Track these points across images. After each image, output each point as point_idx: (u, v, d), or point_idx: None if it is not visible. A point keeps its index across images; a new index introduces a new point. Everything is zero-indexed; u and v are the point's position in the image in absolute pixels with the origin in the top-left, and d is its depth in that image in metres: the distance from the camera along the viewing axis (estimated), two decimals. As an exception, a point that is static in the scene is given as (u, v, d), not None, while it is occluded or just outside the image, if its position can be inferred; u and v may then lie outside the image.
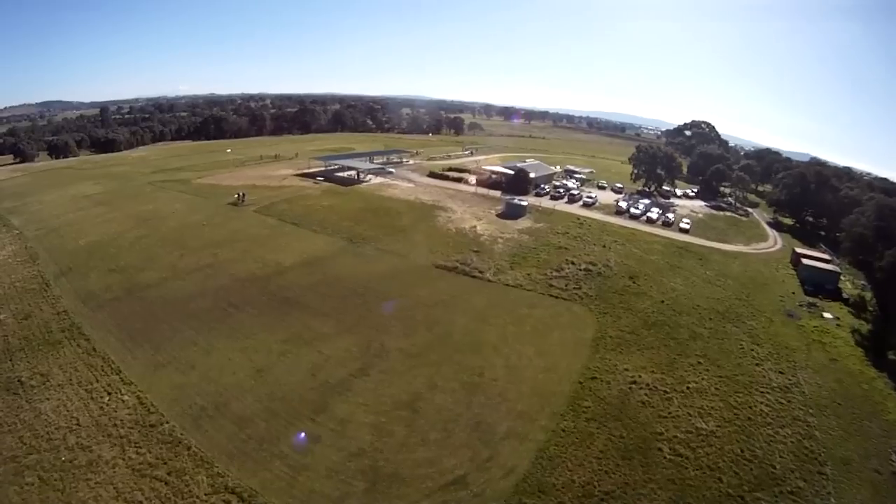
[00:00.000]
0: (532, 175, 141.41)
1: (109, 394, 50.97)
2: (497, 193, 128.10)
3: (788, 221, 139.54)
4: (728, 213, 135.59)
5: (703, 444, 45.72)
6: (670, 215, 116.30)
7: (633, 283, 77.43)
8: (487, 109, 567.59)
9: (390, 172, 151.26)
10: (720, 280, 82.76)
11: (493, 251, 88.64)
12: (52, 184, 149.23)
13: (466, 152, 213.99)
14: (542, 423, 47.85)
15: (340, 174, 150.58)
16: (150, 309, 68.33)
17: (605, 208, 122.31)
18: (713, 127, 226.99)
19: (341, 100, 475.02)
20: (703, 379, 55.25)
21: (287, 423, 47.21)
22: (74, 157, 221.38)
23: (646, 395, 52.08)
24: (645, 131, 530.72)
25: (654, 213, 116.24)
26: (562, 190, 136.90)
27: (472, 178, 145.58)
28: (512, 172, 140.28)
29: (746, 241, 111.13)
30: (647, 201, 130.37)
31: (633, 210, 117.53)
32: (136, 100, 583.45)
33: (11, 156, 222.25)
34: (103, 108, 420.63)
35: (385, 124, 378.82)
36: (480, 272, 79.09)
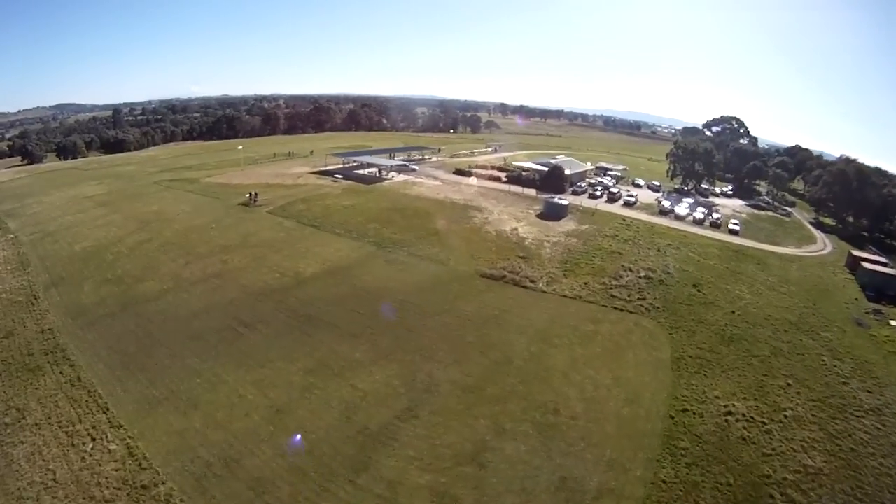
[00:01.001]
0: (567, 172, 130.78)
1: (94, 439, 41.10)
2: (531, 192, 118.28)
3: (829, 221, 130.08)
4: (770, 213, 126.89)
5: (813, 484, 38.59)
6: (717, 215, 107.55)
7: (698, 291, 68.25)
8: (503, 108, 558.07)
9: (413, 170, 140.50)
10: (783, 286, 74.07)
11: (541, 257, 77.37)
12: (54, 184, 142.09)
13: (490, 149, 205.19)
14: (637, 474, 38.33)
15: (360, 171, 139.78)
16: (147, 328, 57.92)
17: (647, 208, 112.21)
18: (742, 123, 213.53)
19: (355, 100, 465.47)
20: (797, 404, 47.58)
21: (319, 487, 36.35)
22: (83, 157, 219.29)
23: (744, 427, 43.88)
24: (659, 129, 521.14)
25: (699, 213, 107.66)
26: (600, 188, 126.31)
27: (503, 175, 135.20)
28: (546, 169, 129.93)
29: (797, 242, 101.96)
30: (690, 200, 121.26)
31: (678, 210, 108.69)
32: (149, 102, 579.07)
33: (20, 157, 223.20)
34: (116, 109, 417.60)
35: (400, 123, 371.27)
36: (532, 281, 68.32)
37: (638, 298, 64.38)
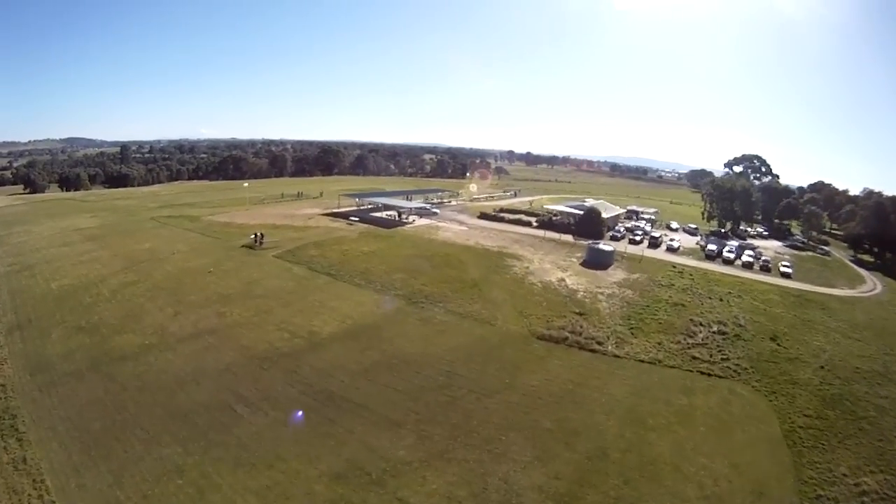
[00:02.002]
0: (604, 216, 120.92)
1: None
2: (567, 237, 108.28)
3: (867, 258, 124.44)
4: (810, 253, 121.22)
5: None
6: (765, 258, 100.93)
7: (778, 345, 59.92)
8: (510, 155, 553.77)
9: (435, 213, 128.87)
10: (856, 333, 66.23)
11: (599, 312, 65.62)
12: (47, 214, 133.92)
13: (509, 193, 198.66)
14: None
15: (377, 214, 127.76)
16: (119, 398, 44.59)
17: (692, 253, 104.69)
18: (764, 161, 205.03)
19: (361, 146, 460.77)
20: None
21: None
22: (86, 190, 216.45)
23: (887, 511, 34.45)
24: (663, 173, 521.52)
25: (747, 256, 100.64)
26: (639, 233, 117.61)
27: (533, 220, 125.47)
28: (581, 213, 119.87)
29: (849, 283, 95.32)
30: (734, 243, 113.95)
31: (725, 254, 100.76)
32: (158, 141, 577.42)
33: (22, 186, 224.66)
34: (124, 146, 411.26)
35: (408, 169, 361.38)
36: (599, 343, 56.49)
37: (721, 358, 55.23)
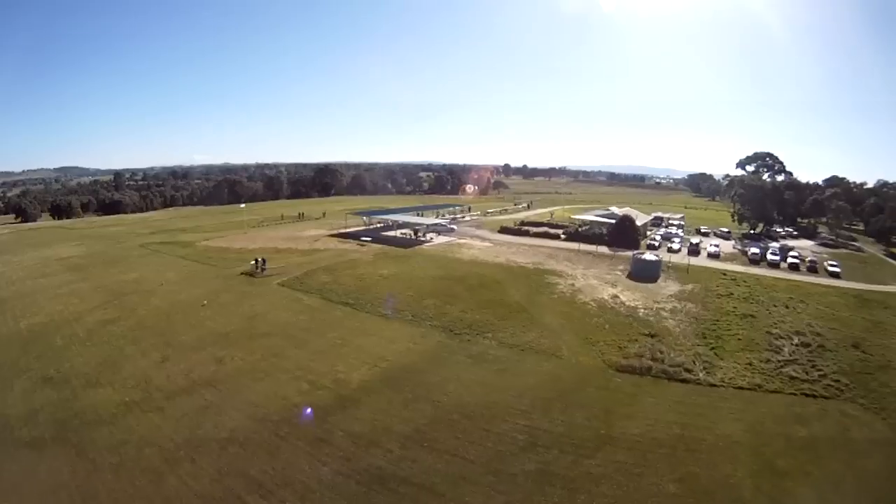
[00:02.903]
0: (638, 224, 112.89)
1: None
2: (601, 248, 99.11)
3: None
4: (844, 251, 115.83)
5: None
6: (811, 258, 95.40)
7: (863, 352, 53.35)
8: (506, 169, 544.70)
9: (452, 230, 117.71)
10: None
11: (671, 332, 56.38)
12: (31, 243, 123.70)
13: (521, 206, 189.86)
14: None
15: (390, 233, 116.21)
16: (88, 482, 32.12)
17: (734, 258, 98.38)
18: (777, 158, 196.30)
19: (356, 166, 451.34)
20: None
21: None
22: (78, 218, 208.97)
23: None
24: (659, 180, 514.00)
25: (792, 258, 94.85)
26: (676, 240, 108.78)
27: (560, 232, 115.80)
28: (613, 222, 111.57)
29: None
30: (776, 245, 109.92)
31: (770, 257, 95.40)
32: (152, 168, 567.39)
33: (14, 215, 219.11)
34: (117, 174, 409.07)
35: (406, 187, 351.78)
36: (687, 370, 47.11)
37: (818, 375, 48.04)
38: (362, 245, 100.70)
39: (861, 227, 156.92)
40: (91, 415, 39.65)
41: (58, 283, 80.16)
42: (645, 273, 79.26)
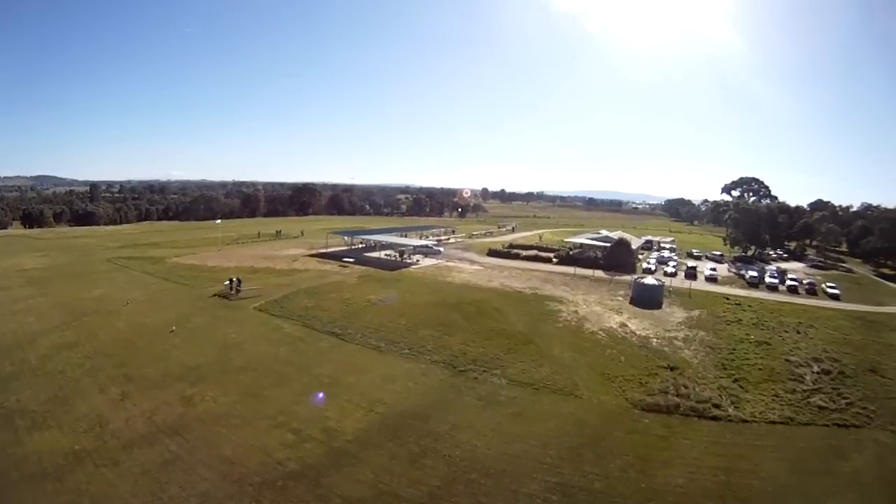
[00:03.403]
0: (633, 247, 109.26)
1: None
2: (596, 273, 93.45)
3: (886, 272, 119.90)
4: (835, 272, 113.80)
5: None
6: (808, 281, 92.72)
7: (882, 377, 51.05)
8: (484, 193, 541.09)
9: (439, 252, 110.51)
10: None
11: (689, 363, 51.76)
12: None
13: (505, 228, 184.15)
14: None
15: (372, 255, 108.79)
16: None
17: (732, 281, 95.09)
18: (762, 183, 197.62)
19: (333, 187, 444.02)
20: None
21: None
22: (49, 227, 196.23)
23: None
24: (633, 205, 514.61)
25: (791, 281, 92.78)
26: (672, 264, 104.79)
27: (552, 255, 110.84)
28: (608, 245, 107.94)
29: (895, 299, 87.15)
30: (772, 268, 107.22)
31: (769, 280, 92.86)
32: (129, 181, 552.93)
33: None
34: (93, 185, 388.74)
35: (383, 209, 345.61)
36: (716, 406, 42.99)
37: (845, 403, 45.47)
38: (344, 266, 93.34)
39: (845, 248, 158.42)
40: (34, 467, 32.39)
41: (14, 297, 72.59)
42: (647, 298, 74.26)
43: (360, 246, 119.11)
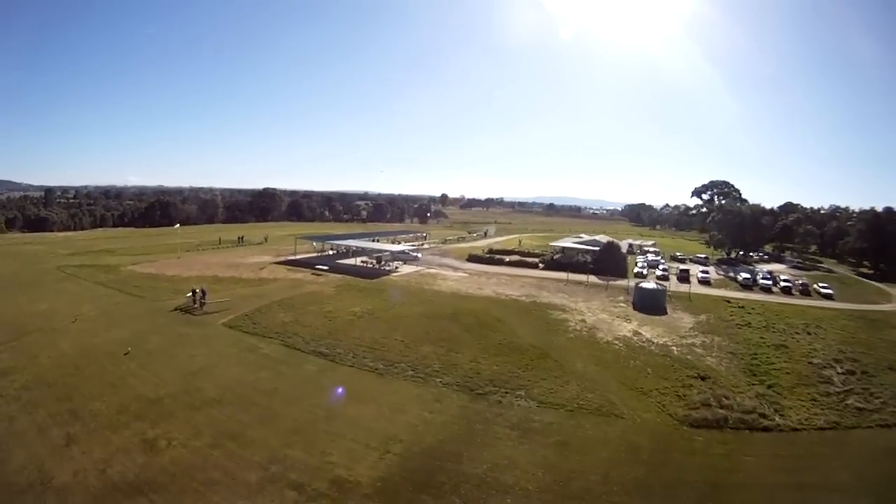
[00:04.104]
0: (623, 251, 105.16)
1: None
2: (588, 278, 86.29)
3: (866, 271, 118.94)
4: (816, 273, 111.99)
5: None
6: (800, 282, 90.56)
7: None
8: (443, 199, 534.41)
9: (416, 258, 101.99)
10: None
11: (716, 371, 47.50)
12: None
13: (476, 234, 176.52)
14: None
15: (347, 262, 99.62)
16: None
17: (724, 284, 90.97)
18: (732, 186, 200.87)
19: (292, 193, 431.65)
20: None
21: None
22: (1, 234, 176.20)
23: None
24: (591, 211, 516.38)
25: (784, 282, 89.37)
26: (662, 267, 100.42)
27: (537, 261, 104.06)
28: (597, 249, 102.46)
29: (883, 297, 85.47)
30: (763, 270, 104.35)
31: (762, 282, 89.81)
32: (85, 187, 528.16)
33: None
34: (48, 190, 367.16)
35: (343, 215, 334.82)
36: (763, 416, 39.27)
37: (880, 403, 43.03)
38: (318, 274, 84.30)
39: (815, 249, 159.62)
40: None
41: (-57, 314, 61.40)
42: (650, 303, 69.16)
43: (332, 252, 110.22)
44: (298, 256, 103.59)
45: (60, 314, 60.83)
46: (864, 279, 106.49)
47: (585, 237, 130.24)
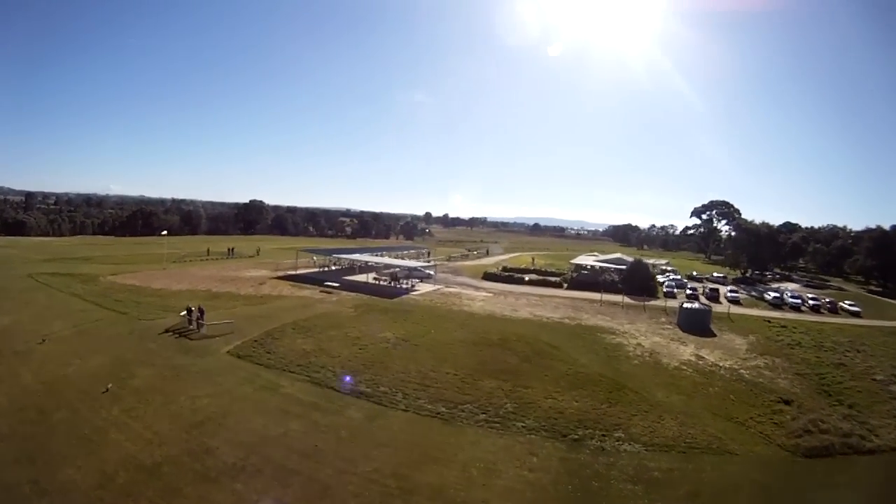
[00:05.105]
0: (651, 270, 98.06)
1: None
2: (623, 298, 77.79)
3: (873, 288, 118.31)
4: (830, 291, 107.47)
5: None
6: (829, 300, 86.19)
7: None
8: (427, 218, 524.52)
9: (430, 275, 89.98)
10: None
11: (793, 394, 42.47)
12: None
13: (476, 252, 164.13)
14: None
15: (355, 278, 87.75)
16: None
17: (754, 304, 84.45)
18: (731, 205, 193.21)
19: (275, 208, 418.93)
20: None
21: None
22: None
23: None
24: (574, 232, 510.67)
25: (812, 300, 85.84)
26: (690, 287, 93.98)
27: (560, 280, 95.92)
28: (623, 268, 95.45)
29: None
30: (791, 288, 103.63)
31: (791, 300, 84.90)
32: (66, 194, 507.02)
33: None
34: (29, 195, 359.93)
35: (327, 231, 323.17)
36: (862, 438, 35.48)
37: None
38: (328, 292, 72.48)
39: (811, 267, 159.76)
40: None
41: None
42: (695, 324, 63.29)
43: (335, 268, 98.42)
44: (300, 271, 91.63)
45: (25, 332, 48.85)
46: (878, 297, 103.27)
47: (604, 256, 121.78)
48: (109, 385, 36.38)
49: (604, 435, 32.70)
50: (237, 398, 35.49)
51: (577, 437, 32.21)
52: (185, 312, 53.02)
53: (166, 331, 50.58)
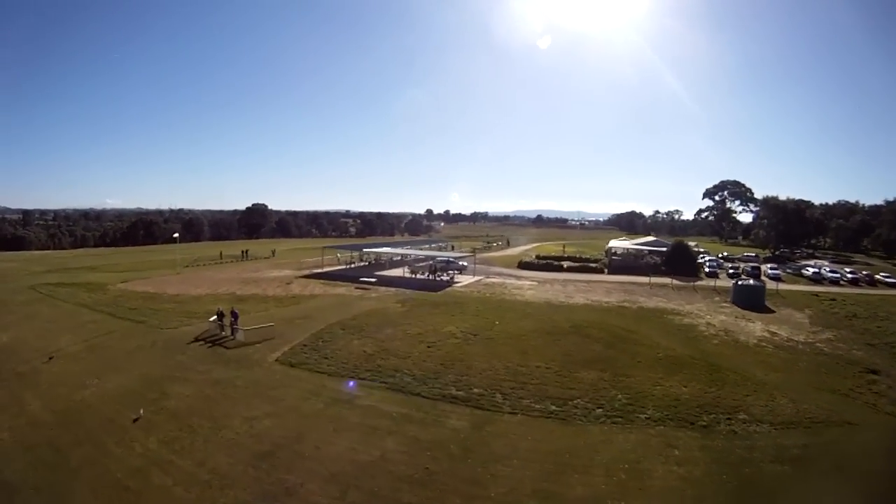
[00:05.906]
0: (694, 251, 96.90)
1: None
2: (672, 280, 75.14)
3: None
4: (858, 265, 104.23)
5: None
6: (866, 273, 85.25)
7: None
8: (428, 215, 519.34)
9: (464, 266, 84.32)
10: None
11: (873, 363, 39.63)
12: None
13: (496, 244, 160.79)
14: None
15: (389, 273, 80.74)
16: None
17: (793, 280, 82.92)
18: (743, 185, 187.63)
19: (275, 213, 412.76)
20: None
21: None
22: None
23: None
24: (579, 222, 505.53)
25: (850, 274, 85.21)
26: (729, 266, 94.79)
27: (598, 265, 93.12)
28: (664, 250, 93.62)
29: None
30: (825, 264, 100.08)
31: (829, 275, 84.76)
32: (63, 210, 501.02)
33: None
34: (26, 212, 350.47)
35: (331, 232, 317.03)
36: None
37: None
38: (365, 288, 64.81)
39: (831, 244, 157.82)
40: None
41: None
42: (751, 301, 61.68)
43: (361, 264, 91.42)
44: (326, 269, 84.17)
45: (28, 348, 41.78)
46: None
47: (638, 240, 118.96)
48: (141, 411, 28.70)
49: (729, 418, 29.08)
50: (307, 416, 27.87)
51: (704, 423, 28.37)
52: (215, 317, 45.51)
53: (195, 339, 43.02)
